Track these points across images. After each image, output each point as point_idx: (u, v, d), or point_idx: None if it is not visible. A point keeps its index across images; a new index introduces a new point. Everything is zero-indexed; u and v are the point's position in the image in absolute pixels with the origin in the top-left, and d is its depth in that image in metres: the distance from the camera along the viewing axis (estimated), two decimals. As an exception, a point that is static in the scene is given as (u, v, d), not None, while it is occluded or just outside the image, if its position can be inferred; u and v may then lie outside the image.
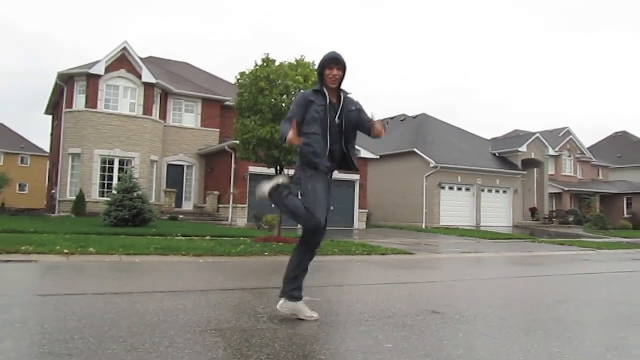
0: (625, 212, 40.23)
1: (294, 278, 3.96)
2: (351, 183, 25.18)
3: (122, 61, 23.60)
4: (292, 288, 3.95)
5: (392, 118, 38.16)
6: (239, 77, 12.81)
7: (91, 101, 22.98)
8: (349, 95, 4.10)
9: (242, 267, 8.03)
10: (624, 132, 55.35)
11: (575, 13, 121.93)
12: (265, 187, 3.93)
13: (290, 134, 3.65)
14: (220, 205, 23.98)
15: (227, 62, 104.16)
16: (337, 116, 3.92)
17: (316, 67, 12.37)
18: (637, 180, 43.94)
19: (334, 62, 3.89)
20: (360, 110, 4.08)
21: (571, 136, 41.80)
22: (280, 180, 3.91)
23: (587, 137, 60.10)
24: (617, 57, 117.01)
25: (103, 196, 21.22)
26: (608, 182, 44.38)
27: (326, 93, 3.94)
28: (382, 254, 10.78)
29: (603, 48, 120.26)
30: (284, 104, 11.95)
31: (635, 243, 19.77)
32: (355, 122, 4.01)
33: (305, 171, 3.87)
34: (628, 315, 4.95)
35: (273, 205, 4.05)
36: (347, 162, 4.04)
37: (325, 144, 3.86)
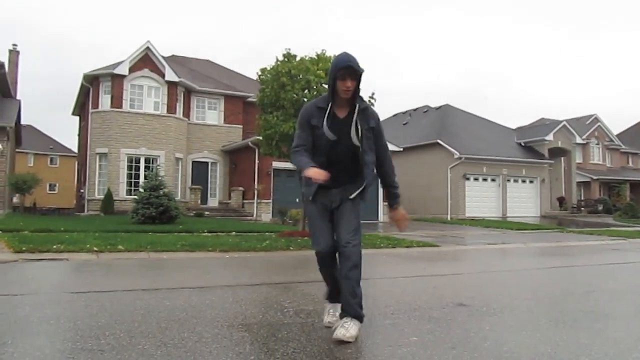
0: (657, 200, 39.29)
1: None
2: (375, 177, 25.08)
3: (146, 61, 23.90)
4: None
5: (415, 110, 37.88)
6: (260, 73, 12.88)
7: (116, 101, 23.34)
8: (369, 108, 3.51)
9: (268, 262, 8.10)
10: (655, 117, 53.94)
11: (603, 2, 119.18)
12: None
13: (315, 172, 3.18)
14: (245, 201, 24.17)
15: (249, 58, 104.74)
16: (348, 134, 3.37)
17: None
18: (669, 166, 42.87)
19: (347, 73, 3.27)
20: (375, 130, 3.48)
21: (599, 123, 40.91)
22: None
23: (616, 124, 58.76)
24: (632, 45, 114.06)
25: (130, 194, 21.57)
26: (638, 169, 43.34)
27: (328, 109, 3.39)
28: (407, 247, 10.75)
29: (631, 35, 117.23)
30: (305, 99, 11.97)
31: (667, 231, 19.29)
32: (372, 140, 3.47)
33: (306, 200, 3.52)
34: (660, 306, 4.85)
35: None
36: (354, 182, 3.47)
37: (325, 169, 3.27)
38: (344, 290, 3.32)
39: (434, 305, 4.49)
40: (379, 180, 3.69)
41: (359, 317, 3.30)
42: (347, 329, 3.19)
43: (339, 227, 3.39)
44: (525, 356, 2.97)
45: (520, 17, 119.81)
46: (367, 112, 3.45)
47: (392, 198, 3.73)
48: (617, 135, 43.43)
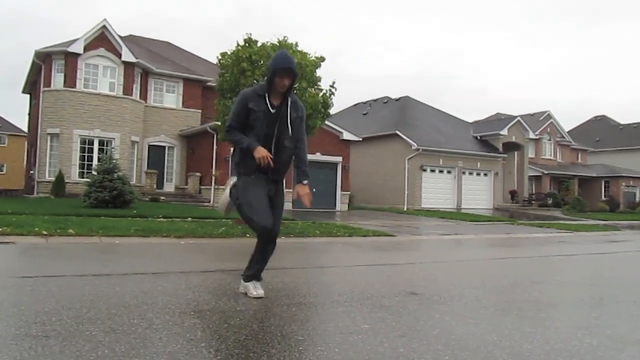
0: (603, 195, 40.97)
1: (249, 262, 4.15)
2: (334, 165, 25.22)
3: (102, 40, 23.15)
4: (245, 270, 4.17)
5: (375, 100, 38.16)
6: (220, 57, 12.67)
7: (70, 80, 22.56)
8: (297, 100, 4.08)
9: (223, 249, 8.05)
10: (604, 116, 56.12)
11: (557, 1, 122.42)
12: (224, 198, 4.17)
13: (263, 152, 3.78)
14: (202, 187, 23.88)
15: (210, 42, 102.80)
16: (278, 121, 3.90)
17: (298, 48, 12.11)
18: (615, 164, 44.70)
19: (285, 73, 3.83)
20: (301, 118, 4.05)
21: (551, 120, 42.24)
22: (232, 182, 4.07)
23: (567, 121, 60.90)
24: (597, 45, 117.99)
25: (83, 177, 20.95)
26: (587, 165, 45.04)
27: (267, 99, 3.89)
28: (364, 236, 10.87)
29: (585, 35, 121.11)
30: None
31: (611, 225, 20.19)
32: (296, 128, 4.00)
33: (239, 180, 4.00)
34: (600, 297, 5.08)
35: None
36: (278, 170, 3.98)
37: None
38: (261, 261, 4.05)
39: (386, 293, 4.56)
40: (297, 161, 4.13)
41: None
42: (260, 289, 4.07)
43: (274, 217, 3.96)
44: (472, 344, 3.06)
45: (482, 15, 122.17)
46: (296, 104, 4.04)
47: (301, 175, 4.12)
48: (568, 132, 44.96)
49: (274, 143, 3.92)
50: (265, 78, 4.00)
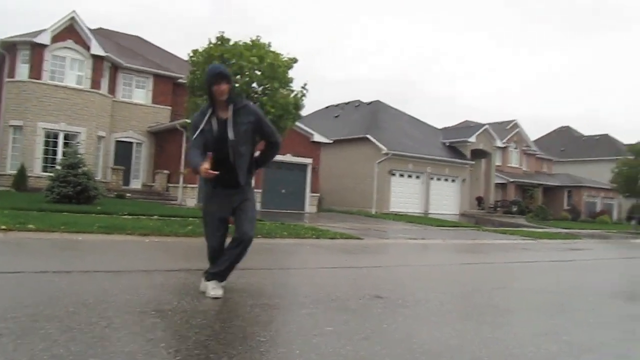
0: (565, 204, 42.02)
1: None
2: (303, 167, 25.21)
3: (70, 31, 22.60)
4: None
5: (347, 103, 38.31)
6: (192, 54, 12.54)
7: (35, 72, 21.94)
8: (248, 105, 4.13)
9: (189, 248, 7.95)
10: (568, 127, 57.62)
11: (527, 13, 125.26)
12: None
13: (203, 168, 3.77)
14: (170, 185, 23.54)
15: (183, 39, 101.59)
16: (227, 131, 3.95)
17: (271, 48, 12.05)
18: (578, 174, 45.88)
19: (219, 78, 3.94)
20: (255, 122, 4.04)
21: (518, 129, 43.12)
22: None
23: (533, 131, 62.41)
24: (563, 58, 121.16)
25: (46, 171, 20.40)
26: (551, 174, 46.13)
27: (209, 113, 3.99)
28: (331, 238, 10.89)
29: (552, 48, 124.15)
30: (237, 85, 11.79)
31: (573, 234, 20.72)
32: (249, 134, 4.04)
33: (206, 186, 4.23)
34: (558, 303, 5.20)
35: None
36: (234, 178, 4.02)
37: (216, 168, 3.87)
38: (228, 262, 4.02)
39: (351, 296, 4.57)
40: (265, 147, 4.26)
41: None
42: (221, 289, 4.03)
43: (241, 219, 4.03)
44: (434, 348, 3.09)
45: (453, 23, 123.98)
46: (245, 109, 4.05)
47: (260, 164, 4.31)
48: (533, 142, 45.98)
49: (230, 153, 3.97)
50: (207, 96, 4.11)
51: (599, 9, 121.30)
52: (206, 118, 3.99)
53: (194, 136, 4.04)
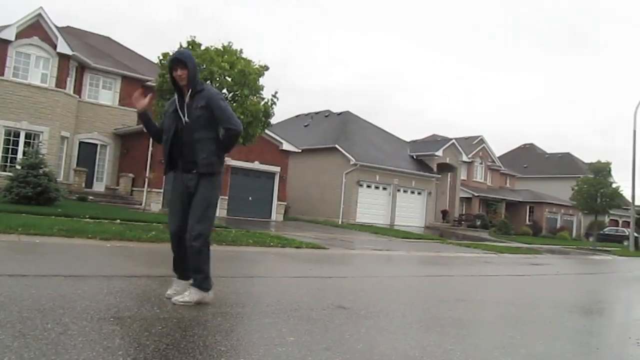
0: (527, 220, 43.00)
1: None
2: (271, 174, 25.13)
3: (36, 28, 22.07)
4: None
5: (317, 113, 38.43)
6: (162, 57, 12.39)
7: (-2, 68, 21.32)
8: (204, 90, 4.14)
9: (152, 254, 7.81)
10: (532, 144, 59.14)
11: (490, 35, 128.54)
12: None
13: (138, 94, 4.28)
14: (134, 189, 23.12)
15: (154, 43, 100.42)
16: (185, 116, 4.03)
17: (242, 54, 12.02)
18: (540, 190, 47.06)
19: (174, 64, 4.02)
20: (206, 107, 4.03)
21: (484, 145, 44.01)
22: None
23: (498, 147, 63.81)
24: (529, 77, 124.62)
25: (5, 171, 19.81)
26: (514, 190, 47.17)
27: (176, 97, 4.13)
28: (297, 247, 10.86)
29: (518, 67, 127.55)
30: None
31: (533, 249, 21.18)
32: (205, 118, 4.03)
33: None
34: (517, 316, 5.30)
35: None
36: (190, 162, 4.07)
37: (168, 150, 4.11)
38: (191, 266, 4.01)
39: (315, 306, 4.56)
40: (224, 140, 4.15)
41: (204, 289, 4.04)
42: (189, 294, 3.98)
43: (190, 215, 3.99)
44: (395, 359, 3.10)
45: (422, 39, 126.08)
46: (201, 94, 4.06)
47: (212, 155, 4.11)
48: (498, 158, 46.99)
49: (182, 136, 4.04)
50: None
51: (566, 32, 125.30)
52: (172, 102, 4.17)
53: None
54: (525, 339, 4.11)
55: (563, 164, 51.57)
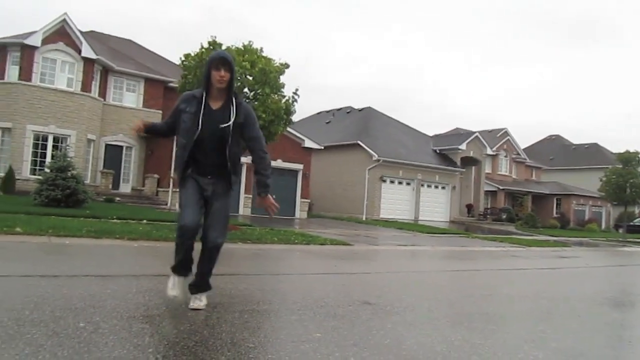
0: (554, 212, 42.31)
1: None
2: (294, 172, 25.20)
3: (61, 34, 22.49)
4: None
5: (338, 110, 38.39)
6: (183, 58, 12.50)
7: (25, 74, 21.80)
8: (241, 103, 3.82)
9: (169, 253, 7.90)
10: (558, 135, 58.12)
11: (514, 25, 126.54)
12: None
13: (137, 122, 3.94)
14: (159, 189, 23.43)
15: (176, 44, 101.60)
16: (218, 125, 3.67)
17: (263, 53, 12.03)
18: (567, 182, 46.25)
19: (221, 63, 3.67)
20: (245, 124, 3.77)
21: (508, 137, 43.42)
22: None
23: (523, 139, 62.97)
24: (554, 67, 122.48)
25: (35, 174, 20.25)
26: (540, 182, 46.44)
27: (204, 99, 3.72)
28: (321, 244, 10.88)
29: (543, 58, 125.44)
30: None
31: (561, 242, 20.85)
32: (239, 132, 3.76)
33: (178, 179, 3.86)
34: (547, 310, 5.23)
35: None
36: (224, 175, 3.76)
37: (188, 156, 3.70)
38: (203, 270, 3.81)
39: (340, 302, 4.57)
40: (256, 166, 3.94)
41: (209, 289, 3.92)
42: (203, 300, 3.82)
43: (209, 224, 3.75)
44: (422, 354, 3.09)
45: (444, 32, 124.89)
46: (240, 107, 3.77)
47: (259, 186, 3.96)
48: (523, 150, 46.31)
49: (206, 142, 3.69)
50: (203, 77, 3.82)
51: (593, 22, 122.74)
52: (196, 102, 3.72)
53: (169, 115, 3.95)
54: (556, 332, 4.05)
55: (590, 155, 50.57)
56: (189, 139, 3.68)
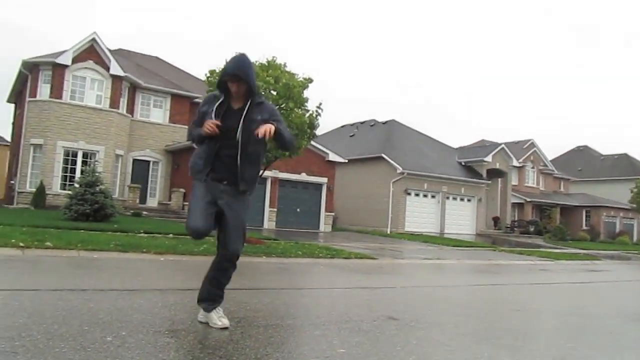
0: (584, 224, 41.41)
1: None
2: (319, 186, 25.24)
3: (91, 52, 23.09)
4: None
5: (362, 123, 38.39)
6: (208, 74, 12.70)
7: (56, 91, 22.41)
8: (263, 102, 3.78)
9: (204, 267, 7.90)
10: (586, 146, 57.03)
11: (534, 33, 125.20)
12: None
13: (209, 123, 3.53)
14: (185, 203, 23.68)
15: (200, 62, 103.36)
16: (237, 123, 3.60)
17: (286, 68, 12.11)
18: (597, 193, 45.29)
19: (234, 79, 3.59)
20: (267, 120, 3.61)
21: (535, 148, 42.80)
22: None
23: (550, 151, 61.99)
24: (580, 77, 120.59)
25: (64, 189, 20.69)
26: (569, 194, 45.58)
27: (221, 99, 3.68)
28: (346, 258, 10.83)
29: (568, 67, 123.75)
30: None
31: (591, 255, 20.36)
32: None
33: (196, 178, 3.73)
34: (577, 326, 5.10)
35: None
36: (237, 176, 3.64)
37: (207, 156, 3.63)
38: (218, 283, 3.74)
39: (365, 317, 4.53)
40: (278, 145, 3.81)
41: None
42: (225, 318, 3.70)
43: (227, 234, 3.64)
44: (448, 371, 3.04)
45: (464, 46, 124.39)
46: (261, 106, 3.72)
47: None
48: (551, 161, 45.56)
49: (224, 145, 3.61)
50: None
51: (622, 27, 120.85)
52: (217, 104, 3.66)
53: (197, 117, 3.78)
54: (586, 350, 3.96)
55: (620, 166, 49.46)
56: (211, 139, 3.63)
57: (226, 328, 3.61)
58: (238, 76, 3.59)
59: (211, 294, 3.75)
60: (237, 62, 3.65)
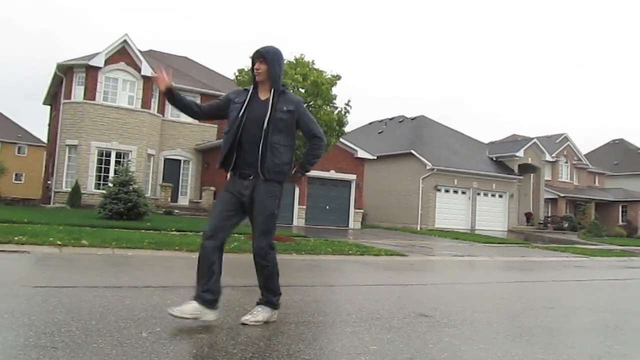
0: (620, 220, 40.36)
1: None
2: (347, 183, 25.22)
3: (122, 54, 23.56)
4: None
5: (390, 119, 38.18)
6: (237, 74, 12.80)
7: (90, 93, 22.94)
8: (288, 93, 3.85)
9: (234, 264, 8.03)
10: (622, 139, 55.47)
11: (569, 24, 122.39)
12: None
13: (158, 73, 3.74)
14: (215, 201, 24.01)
15: (228, 58, 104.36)
16: (260, 112, 3.69)
17: (315, 66, 12.17)
18: (633, 188, 44.04)
19: (255, 57, 3.77)
20: (293, 112, 3.74)
21: (568, 142, 41.87)
22: None
23: (584, 145, 60.49)
24: (614, 68, 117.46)
25: (99, 189, 21.20)
26: (604, 189, 44.46)
27: (249, 90, 3.82)
28: (375, 255, 10.80)
29: (603, 59, 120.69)
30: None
31: (628, 251, 19.84)
32: (287, 123, 3.72)
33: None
34: (614, 324, 4.98)
35: None
36: (263, 165, 3.65)
37: (231, 144, 3.71)
38: (259, 282, 3.82)
39: (396, 314, 4.52)
40: (306, 135, 3.93)
41: (272, 306, 3.81)
42: (255, 314, 3.72)
43: (253, 230, 3.77)
44: (481, 369, 3.01)
45: (496, 40, 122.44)
46: (285, 96, 3.80)
47: (300, 167, 4.06)
48: (585, 155, 44.51)
49: (249, 134, 3.68)
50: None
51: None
52: (245, 93, 3.81)
53: (221, 98, 4.05)
54: (624, 349, 3.86)
55: (659, 159, 48.03)
56: (233, 125, 3.72)
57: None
58: (257, 52, 3.76)
59: (262, 295, 3.84)
60: (265, 45, 3.84)
